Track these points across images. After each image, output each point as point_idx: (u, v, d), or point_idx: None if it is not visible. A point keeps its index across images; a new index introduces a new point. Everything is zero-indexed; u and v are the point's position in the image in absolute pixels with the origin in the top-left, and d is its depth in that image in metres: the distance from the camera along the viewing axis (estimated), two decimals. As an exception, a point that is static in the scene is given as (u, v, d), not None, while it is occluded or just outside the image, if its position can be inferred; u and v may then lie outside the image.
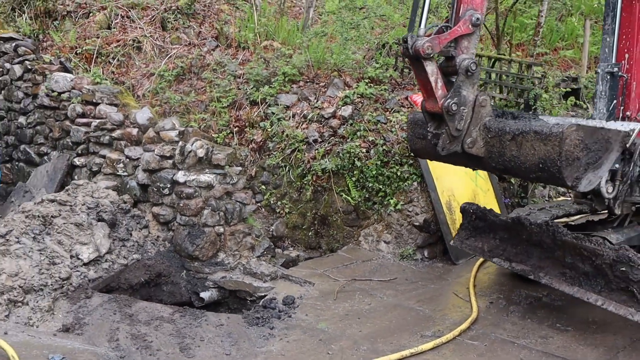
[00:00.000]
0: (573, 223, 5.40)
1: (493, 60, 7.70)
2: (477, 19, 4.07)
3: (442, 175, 6.36)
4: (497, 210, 6.69)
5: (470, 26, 4.08)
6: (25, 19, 9.04)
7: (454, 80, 4.13)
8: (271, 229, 6.73)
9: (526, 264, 4.77)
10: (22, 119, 7.56)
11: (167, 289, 5.78)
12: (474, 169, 4.76)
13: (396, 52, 8.39)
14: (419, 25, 4.08)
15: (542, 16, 8.94)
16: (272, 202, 6.83)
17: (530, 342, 4.40)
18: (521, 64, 7.34)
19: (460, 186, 6.50)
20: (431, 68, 4.05)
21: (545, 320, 4.76)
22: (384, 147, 6.42)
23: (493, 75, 7.55)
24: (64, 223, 5.55)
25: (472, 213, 5.29)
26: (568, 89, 8.82)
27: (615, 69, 5.04)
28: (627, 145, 4.18)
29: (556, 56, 10.39)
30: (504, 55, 8.26)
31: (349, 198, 6.46)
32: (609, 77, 5.06)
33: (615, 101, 5.09)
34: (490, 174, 6.82)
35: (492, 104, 7.43)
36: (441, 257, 6.21)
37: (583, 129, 3.91)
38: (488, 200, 6.73)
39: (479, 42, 9.57)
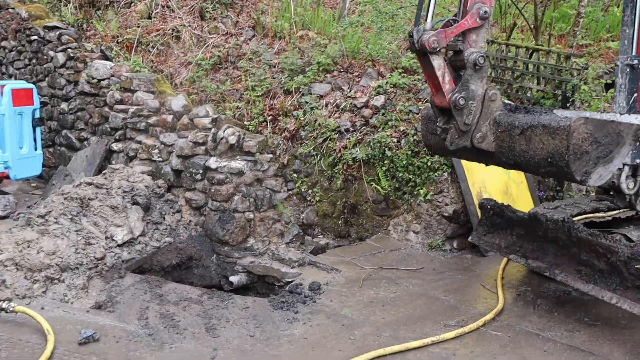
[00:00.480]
0: (598, 220, 5.28)
1: (531, 51, 7.55)
2: (485, 12, 4.02)
3: (473, 167, 6.30)
4: (530, 203, 6.59)
5: (478, 19, 4.03)
6: (70, 9, 9.32)
7: (462, 74, 4.08)
8: (302, 217, 6.79)
9: (542, 261, 4.70)
10: (64, 105, 7.82)
11: (198, 272, 5.92)
12: (486, 165, 4.71)
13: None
14: (426, 20, 4.07)
15: (582, 6, 8.70)
16: (303, 190, 6.89)
17: (555, 335, 4.34)
18: (559, 55, 7.17)
19: (492, 178, 6.42)
20: (438, 62, 4.02)
21: (572, 314, 4.68)
22: (415, 137, 6.39)
23: (530, 67, 7.41)
24: (100, 205, 5.74)
25: (489, 209, 5.23)
26: (609, 81, 8.56)
27: (635, 61, 4.89)
28: None
29: (599, 48, 10.09)
30: (542, 46, 8.09)
31: (379, 187, 6.47)
32: (628, 69, 4.92)
33: (635, 94, 4.93)
34: (524, 167, 6.71)
35: (529, 95, 7.33)
36: (470, 248, 6.15)
37: (592, 122, 3.80)
38: (521, 192, 6.63)
39: (518, 33, 9.39)
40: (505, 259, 5.60)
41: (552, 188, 7.21)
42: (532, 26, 8.63)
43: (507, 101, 5.21)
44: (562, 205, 5.39)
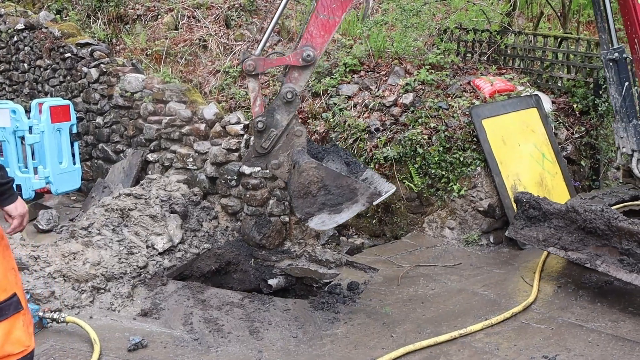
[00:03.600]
0: (638, 208, 5.20)
1: (559, 39, 7.47)
2: (309, 55, 4.27)
3: (506, 160, 6.27)
4: (566, 194, 6.52)
5: (300, 60, 4.30)
6: (99, 25, 9.56)
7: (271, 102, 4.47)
8: (336, 218, 6.83)
9: (582, 252, 4.65)
10: (99, 119, 8.02)
11: (237, 276, 6.02)
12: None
13: (458, 36, 8.30)
14: (258, 46, 4.47)
15: (611, -9, 8.54)
16: (335, 191, 6.93)
17: (599, 326, 4.30)
18: (589, 42, 7.07)
19: (526, 170, 6.37)
20: (252, 85, 4.41)
21: (616, 304, 4.63)
22: (446, 133, 6.39)
23: (560, 55, 7.32)
24: (140, 215, 5.88)
25: (525, 202, 5.20)
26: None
27: (616, 55, 5.38)
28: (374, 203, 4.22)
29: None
30: (571, 34, 7.99)
31: (412, 185, 6.48)
32: (611, 63, 5.45)
33: (627, 83, 5.35)
34: (559, 156, 6.65)
35: (560, 85, 7.24)
36: (507, 242, 6.11)
37: (325, 170, 4.05)
38: (556, 183, 6.56)
39: (545, 22, 9.29)
40: (545, 252, 5.56)
41: (588, 178, 7.13)
42: (560, 14, 8.53)
43: (335, 145, 5.62)
44: (600, 195, 5.34)
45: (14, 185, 2.80)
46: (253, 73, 4.36)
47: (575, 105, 7.11)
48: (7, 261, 2.80)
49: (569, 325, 4.36)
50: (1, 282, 2.71)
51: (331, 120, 7.08)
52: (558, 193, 6.42)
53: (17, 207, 2.80)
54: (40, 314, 4.34)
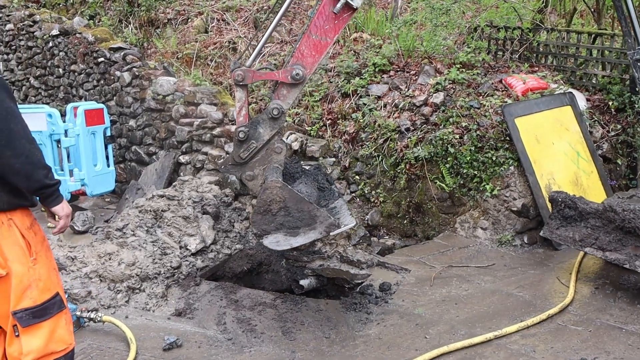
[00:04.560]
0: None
1: (594, 35, 7.32)
2: (298, 74, 4.29)
3: (540, 159, 6.17)
4: (602, 193, 6.39)
5: (289, 77, 4.32)
6: (131, 29, 9.73)
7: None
8: (366, 218, 6.83)
9: (621, 253, 4.55)
10: (132, 122, 8.15)
11: (268, 277, 6.03)
12: None
13: (489, 34, 8.20)
14: (250, 58, 4.54)
15: (647, -15, 8.34)
16: (366, 191, 6.92)
17: (639, 329, 4.20)
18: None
19: (560, 169, 6.26)
20: (239, 95, 4.44)
21: (656, 305, 4.52)
22: (478, 132, 6.32)
23: (594, 52, 7.18)
24: (173, 216, 5.95)
25: (561, 202, 5.11)
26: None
27: None
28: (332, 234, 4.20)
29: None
30: (606, 30, 7.82)
31: (444, 185, 6.42)
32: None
33: None
34: (594, 155, 6.51)
35: (595, 82, 7.09)
36: (542, 242, 6.01)
37: (289, 191, 4.03)
38: (592, 183, 6.43)
39: (578, 18, 9.11)
40: (581, 252, 5.45)
41: (624, 176, 6.97)
42: (593, 10, 8.36)
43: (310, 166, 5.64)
44: (638, 194, 5.21)
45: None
46: (241, 83, 4.41)
47: (610, 103, 6.96)
48: (50, 261, 2.87)
49: (608, 328, 4.26)
50: (45, 282, 2.78)
51: (361, 120, 7.07)
52: (594, 192, 6.30)
53: (64, 208, 2.87)
54: (78, 313, 4.42)
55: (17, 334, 2.71)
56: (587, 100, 7.04)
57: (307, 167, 5.28)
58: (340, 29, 4.40)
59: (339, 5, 4.30)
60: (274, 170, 4.48)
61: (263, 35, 4.65)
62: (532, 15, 8.53)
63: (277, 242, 4.12)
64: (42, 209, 2.88)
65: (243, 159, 4.53)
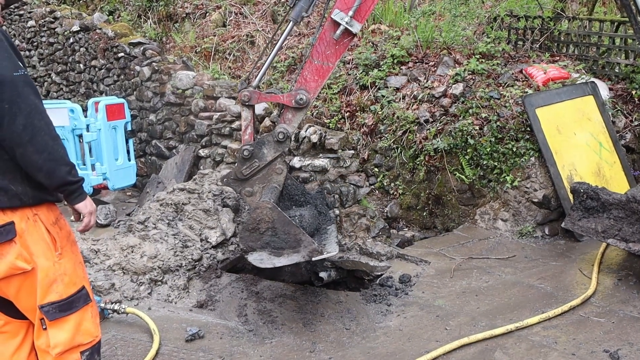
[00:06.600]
0: None
1: (616, 23, 7.20)
2: (301, 99, 4.46)
3: (561, 150, 6.10)
4: (625, 184, 6.30)
5: (293, 102, 4.50)
6: (150, 24, 9.80)
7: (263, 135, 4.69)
8: (385, 211, 6.82)
9: None
10: (152, 117, 8.22)
11: (288, 269, 6.06)
12: None
13: (509, 24, 8.11)
14: (256, 78, 4.74)
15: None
16: (385, 184, 6.91)
17: (664, 320, 4.16)
18: (649, 25, 6.78)
19: (582, 160, 6.19)
20: (245, 114, 4.66)
21: (681, 297, 4.46)
22: (498, 123, 6.26)
23: (617, 40, 7.06)
24: (193, 209, 6.00)
25: (583, 192, 5.05)
26: None
27: None
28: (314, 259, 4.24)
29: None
30: (629, 17, 7.68)
31: (463, 177, 6.39)
32: None
33: None
34: (617, 145, 6.43)
35: (617, 71, 6.98)
36: (563, 234, 5.96)
37: (278, 213, 4.12)
38: (615, 173, 6.35)
39: (600, 6, 8.96)
40: (604, 244, 5.39)
41: (648, 166, 6.86)
42: (616, -2, 8.21)
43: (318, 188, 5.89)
44: None
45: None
46: (247, 104, 4.59)
47: (634, 92, 6.85)
48: (76, 255, 2.91)
49: (631, 319, 4.22)
50: (71, 276, 2.82)
51: (380, 112, 7.04)
52: (617, 183, 6.22)
53: (87, 205, 2.87)
54: (102, 305, 4.49)
55: (44, 327, 2.77)
56: (610, 89, 6.94)
57: (312, 191, 5.53)
58: (341, 54, 4.55)
59: (338, 31, 4.45)
60: (271, 190, 4.64)
61: (268, 57, 4.80)
62: (552, 3, 8.41)
63: (261, 259, 4.23)
64: (65, 203, 2.91)
65: (244, 176, 4.74)
